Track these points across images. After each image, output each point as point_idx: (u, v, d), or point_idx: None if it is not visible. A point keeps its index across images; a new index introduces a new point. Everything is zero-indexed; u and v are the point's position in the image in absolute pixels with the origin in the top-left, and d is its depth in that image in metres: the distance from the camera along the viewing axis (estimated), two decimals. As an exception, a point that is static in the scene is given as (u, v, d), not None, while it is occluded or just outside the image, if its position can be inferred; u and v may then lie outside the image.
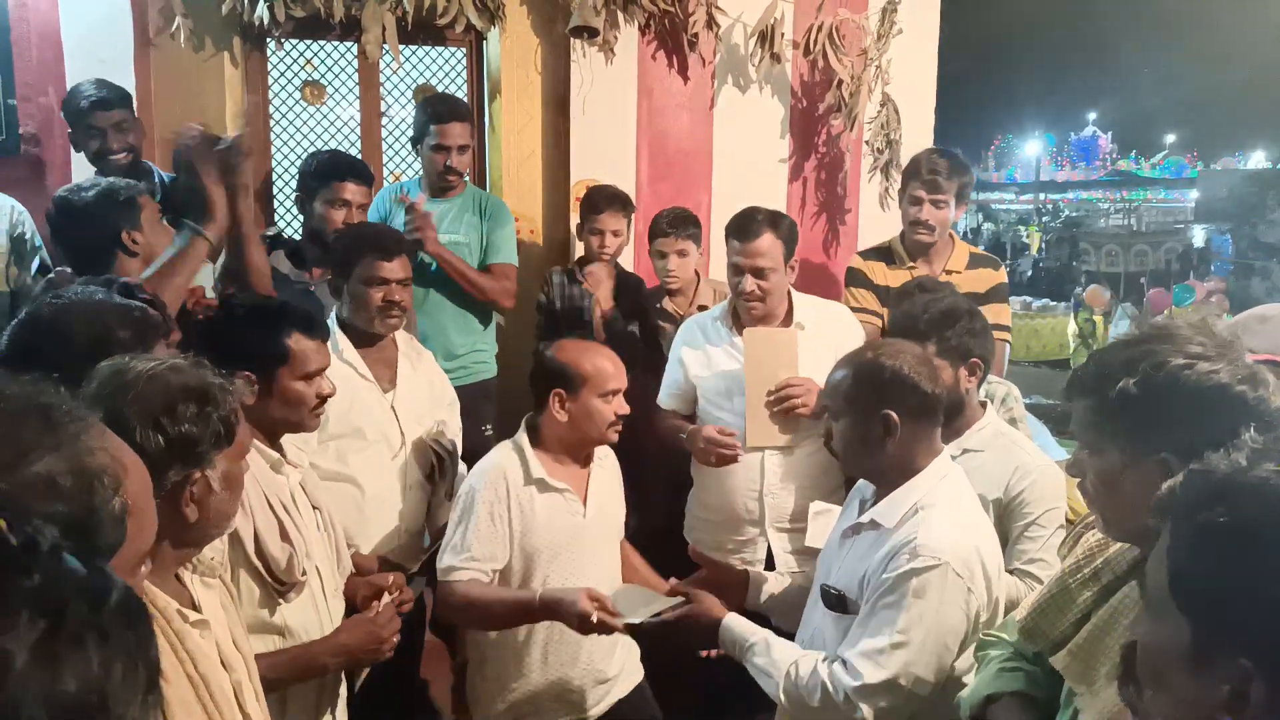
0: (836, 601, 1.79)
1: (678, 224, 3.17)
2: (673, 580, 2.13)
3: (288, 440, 1.99)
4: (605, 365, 2.17)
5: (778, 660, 1.76)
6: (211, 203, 2.25)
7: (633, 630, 1.96)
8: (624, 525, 2.40)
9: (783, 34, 3.66)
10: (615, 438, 2.22)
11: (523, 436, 2.21)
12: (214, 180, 2.27)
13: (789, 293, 2.70)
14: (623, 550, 2.38)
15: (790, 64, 3.75)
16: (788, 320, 2.69)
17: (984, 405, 2.24)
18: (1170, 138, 30.45)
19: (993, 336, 2.28)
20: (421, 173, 3.38)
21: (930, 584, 1.63)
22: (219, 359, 1.42)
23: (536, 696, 2.21)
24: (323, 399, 1.99)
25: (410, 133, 3.37)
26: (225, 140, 2.39)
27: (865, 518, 1.79)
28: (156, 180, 3.06)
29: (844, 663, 1.68)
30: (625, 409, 2.19)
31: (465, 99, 3.90)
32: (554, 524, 2.16)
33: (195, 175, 2.26)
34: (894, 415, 1.72)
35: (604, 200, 3.25)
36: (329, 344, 2.06)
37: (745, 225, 2.60)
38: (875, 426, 1.73)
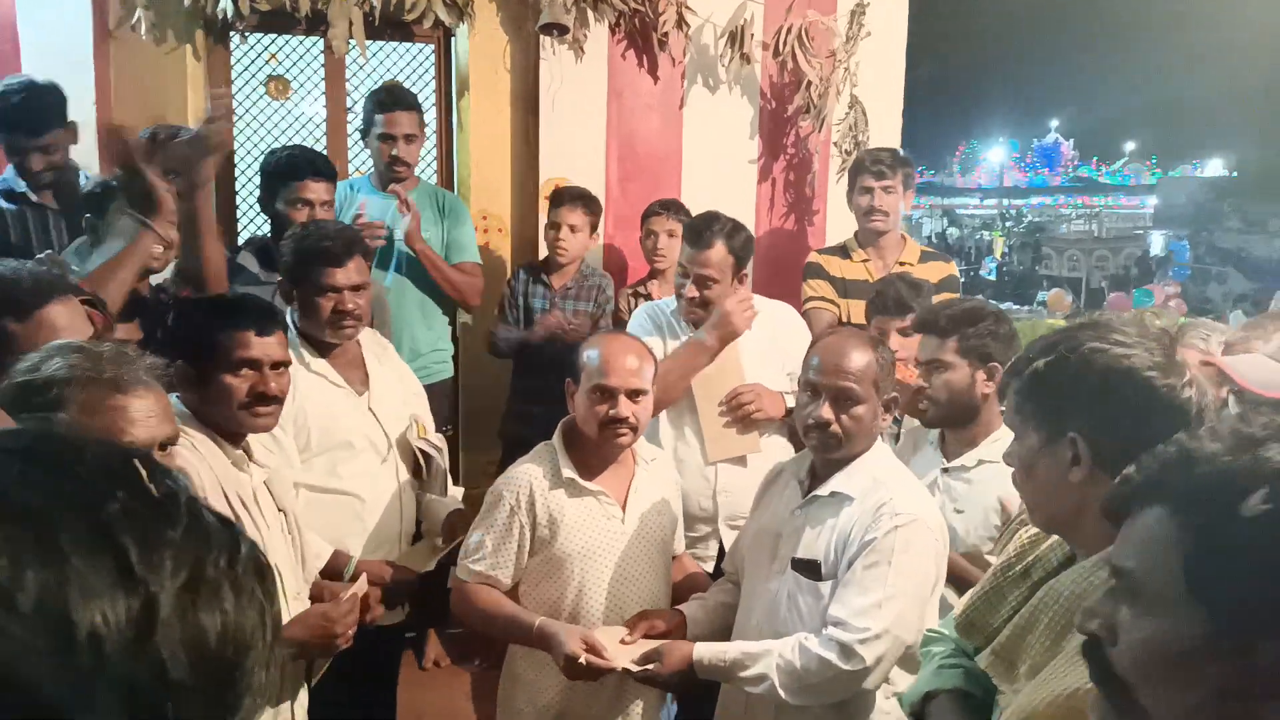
0: (808, 569, 1.87)
1: (670, 206, 3.33)
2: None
3: (259, 442, 1.95)
4: (602, 357, 2.05)
5: (762, 663, 1.82)
6: (158, 197, 2.16)
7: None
8: (680, 538, 2.31)
9: (752, 35, 3.67)
10: (614, 444, 2.07)
11: (557, 436, 2.13)
12: (158, 173, 2.18)
13: None
14: (682, 566, 2.31)
15: (760, 65, 3.77)
16: None
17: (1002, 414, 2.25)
18: (1130, 145, 31.02)
19: (1018, 345, 2.22)
20: (372, 168, 3.34)
21: (910, 539, 1.79)
22: (164, 352, 1.40)
23: (576, 714, 2.11)
24: (262, 397, 1.88)
25: None
26: (188, 131, 2.31)
27: (824, 490, 1.90)
28: (80, 181, 2.93)
29: (838, 623, 1.78)
30: (626, 412, 2.02)
31: (434, 96, 3.88)
32: (588, 528, 2.07)
33: (139, 170, 2.16)
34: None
35: (566, 195, 3.32)
36: (294, 355, 2.00)
37: (700, 232, 2.61)
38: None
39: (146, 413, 1.35)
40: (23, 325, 1.56)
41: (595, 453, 2.11)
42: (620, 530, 2.11)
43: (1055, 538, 1.29)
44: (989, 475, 2.08)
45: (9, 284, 1.57)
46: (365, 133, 3.26)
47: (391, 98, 3.23)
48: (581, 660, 1.89)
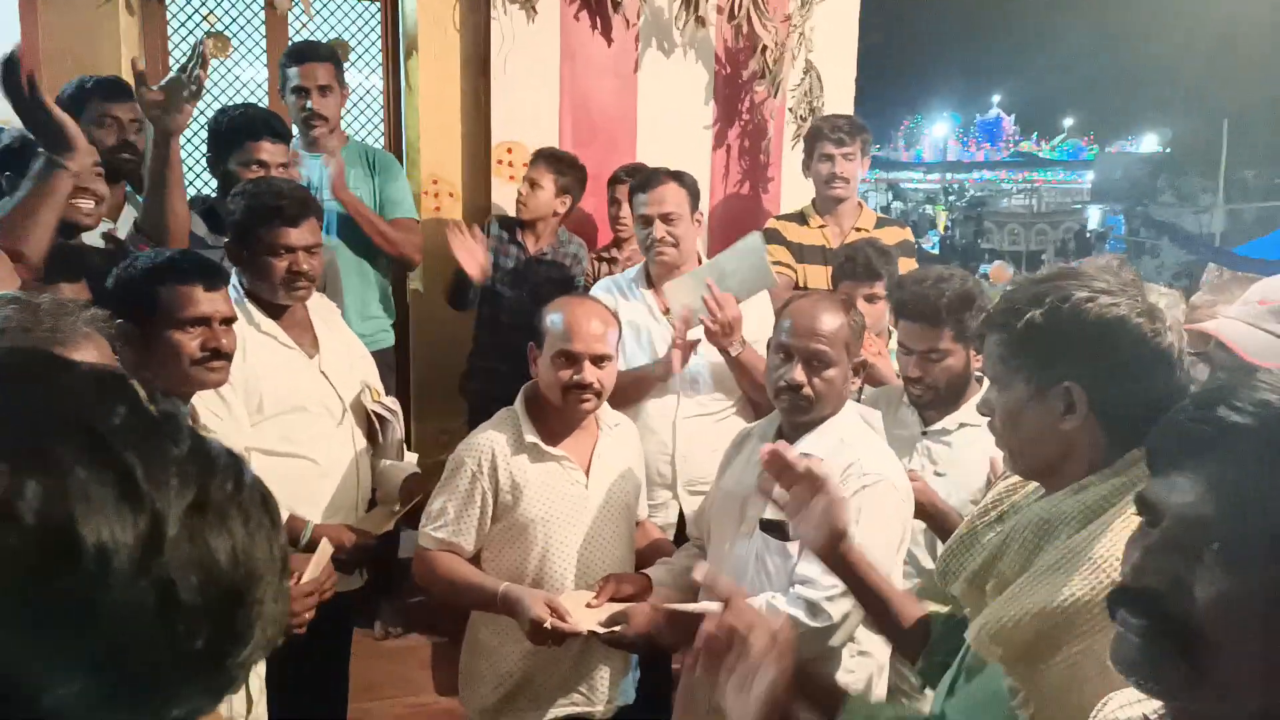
0: (776, 529, 1.86)
1: (634, 172, 3.25)
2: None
3: (204, 406, 1.88)
4: (565, 321, 2.02)
5: None
6: (68, 131, 1.91)
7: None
8: (644, 503, 2.30)
9: (707, -2, 3.63)
10: (578, 410, 2.05)
11: (519, 401, 2.10)
12: (59, 109, 1.94)
13: (697, 254, 2.78)
14: (645, 532, 2.30)
15: (715, 29, 3.73)
16: None
17: (979, 380, 2.26)
18: (1069, 121, 31.64)
19: None
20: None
21: (877, 499, 1.80)
22: (106, 306, 1.34)
23: (538, 682, 2.08)
24: (214, 353, 1.83)
25: None
26: (171, 75, 2.14)
27: (793, 453, 1.85)
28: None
29: (805, 581, 1.79)
30: (590, 378, 2.00)
31: (380, 56, 3.77)
32: (551, 493, 2.05)
33: (36, 100, 1.88)
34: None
35: (539, 154, 3.31)
36: (241, 315, 1.94)
37: (649, 177, 2.71)
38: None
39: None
40: None
41: (558, 418, 2.08)
42: (584, 495, 2.09)
43: (1029, 488, 1.31)
44: (971, 438, 2.10)
45: None
46: (283, 93, 3.16)
47: (302, 48, 3.14)
48: (547, 624, 1.87)
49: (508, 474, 2.03)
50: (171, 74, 2.14)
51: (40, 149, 1.93)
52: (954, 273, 2.26)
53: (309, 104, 3.08)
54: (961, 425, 2.17)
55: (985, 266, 12.00)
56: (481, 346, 3.33)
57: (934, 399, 2.21)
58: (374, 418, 2.36)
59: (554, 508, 2.06)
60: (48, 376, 0.43)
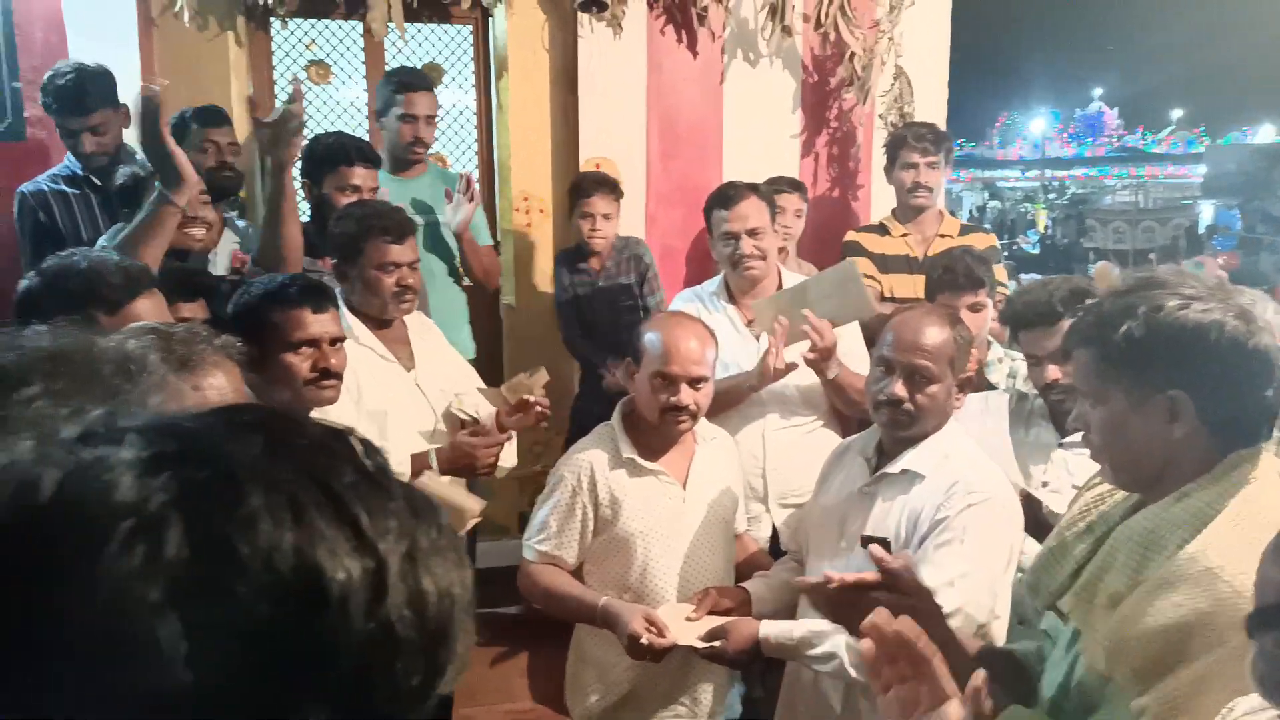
0: (880, 546, 1.83)
1: (601, 182, 3.30)
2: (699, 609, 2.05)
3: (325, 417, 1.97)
4: (664, 344, 2.02)
5: (830, 641, 1.81)
6: (180, 167, 2.07)
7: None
8: (742, 516, 2.31)
9: (793, 6, 3.61)
10: (674, 430, 2.07)
11: (616, 417, 2.14)
12: (175, 145, 2.12)
13: (778, 268, 2.77)
14: (744, 545, 2.30)
15: (801, 37, 3.70)
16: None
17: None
18: (1177, 113, 30.20)
19: None
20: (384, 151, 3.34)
21: (984, 518, 1.76)
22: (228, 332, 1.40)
23: (643, 693, 2.10)
24: (325, 372, 1.93)
25: None
26: (277, 111, 2.29)
27: (895, 468, 1.87)
28: (138, 163, 3.00)
29: None
30: (687, 400, 2.01)
31: (473, 78, 3.87)
32: (649, 507, 2.08)
33: (159, 138, 2.06)
34: None
35: (592, 184, 3.29)
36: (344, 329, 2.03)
37: (726, 193, 2.69)
38: None
39: (218, 391, 1.36)
40: (111, 319, 1.57)
41: (654, 433, 2.11)
42: (681, 509, 2.11)
43: (1118, 496, 1.29)
44: None
45: (98, 278, 1.59)
46: (381, 114, 3.26)
47: (413, 77, 3.25)
48: (644, 640, 1.88)
49: (607, 489, 2.07)
50: (276, 111, 2.25)
51: (155, 183, 2.08)
52: (1060, 276, 2.26)
53: (417, 133, 3.19)
54: None
55: (1089, 267, 11.55)
56: (588, 375, 3.37)
57: (1075, 402, 2.14)
58: (462, 424, 2.44)
59: (653, 521, 2.08)
60: (290, 438, 0.47)
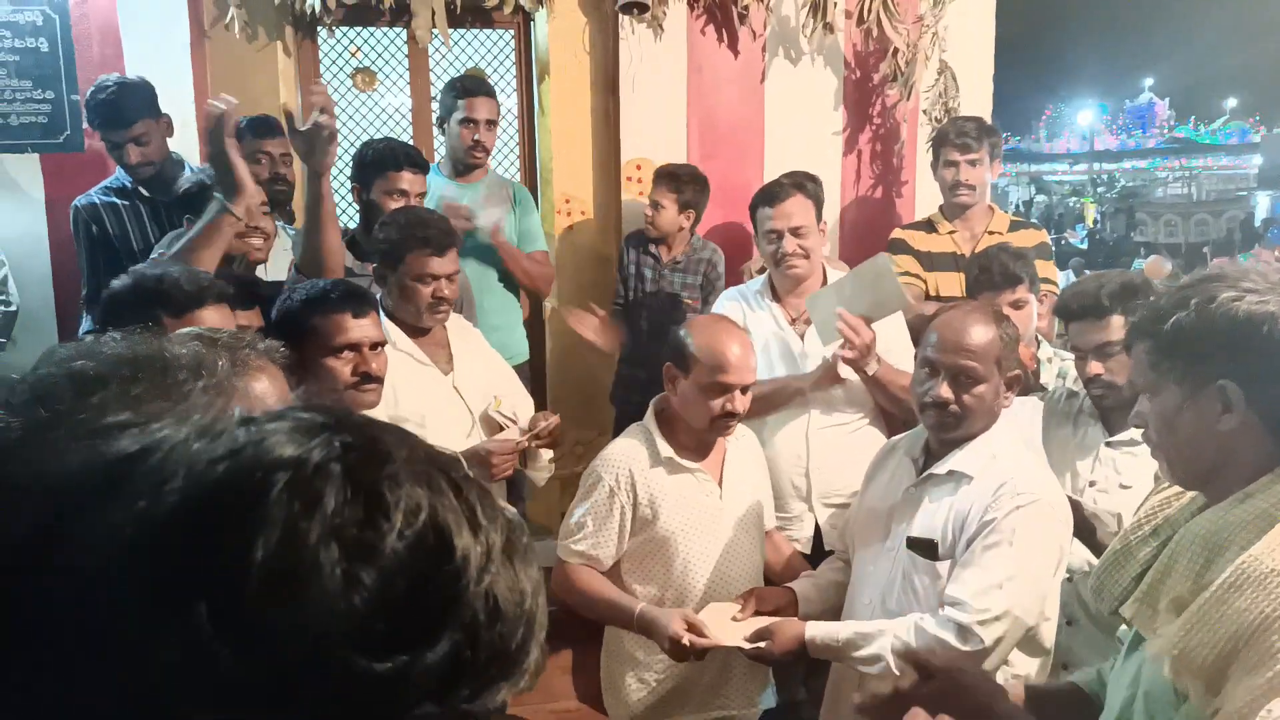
0: (925, 548, 1.84)
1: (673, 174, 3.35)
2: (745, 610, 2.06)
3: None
4: (719, 354, 2.02)
5: (877, 643, 1.80)
6: (239, 178, 2.14)
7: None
8: (771, 514, 2.32)
9: (835, 3, 3.58)
10: (722, 434, 2.11)
11: (650, 417, 2.14)
12: (239, 155, 2.19)
13: (823, 266, 2.74)
14: (775, 544, 2.32)
15: (843, 34, 3.68)
16: None
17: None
18: (1231, 102, 29.41)
19: None
20: (443, 156, 3.38)
21: (1032, 520, 1.74)
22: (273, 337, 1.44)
23: (683, 689, 2.11)
24: (366, 376, 1.96)
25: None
26: (310, 121, 2.34)
27: (942, 469, 1.85)
28: (186, 172, 3.07)
29: (957, 604, 1.74)
30: (741, 408, 2.05)
31: (514, 82, 3.91)
32: (689, 505, 2.09)
33: (222, 150, 2.14)
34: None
35: (659, 173, 3.37)
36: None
37: (773, 191, 2.66)
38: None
39: (262, 394, 1.39)
40: (176, 324, 1.62)
41: (691, 433, 2.11)
42: (718, 507, 2.12)
43: (1185, 500, 1.27)
44: None
45: (169, 285, 1.65)
46: (444, 120, 3.31)
47: (473, 83, 3.29)
48: (685, 641, 1.89)
49: (646, 489, 2.07)
50: (310, 120, 2.29)
51: (216, 193, 2.14)
52: (1115, 270, 2.23)
53: (477, 136, 3.24)
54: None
55: (1140, 261, 11.31)
56: (626, 355, 3.42)
57: (1117, 400, 2.09)
58: (501, 427, 2.46)
59: (691, 519, 2.09)
60: (410, 434, 0.54)
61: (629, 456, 2.09)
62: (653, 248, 3.40)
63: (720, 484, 2.13)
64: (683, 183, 3.35)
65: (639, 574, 2.12)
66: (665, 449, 2.09)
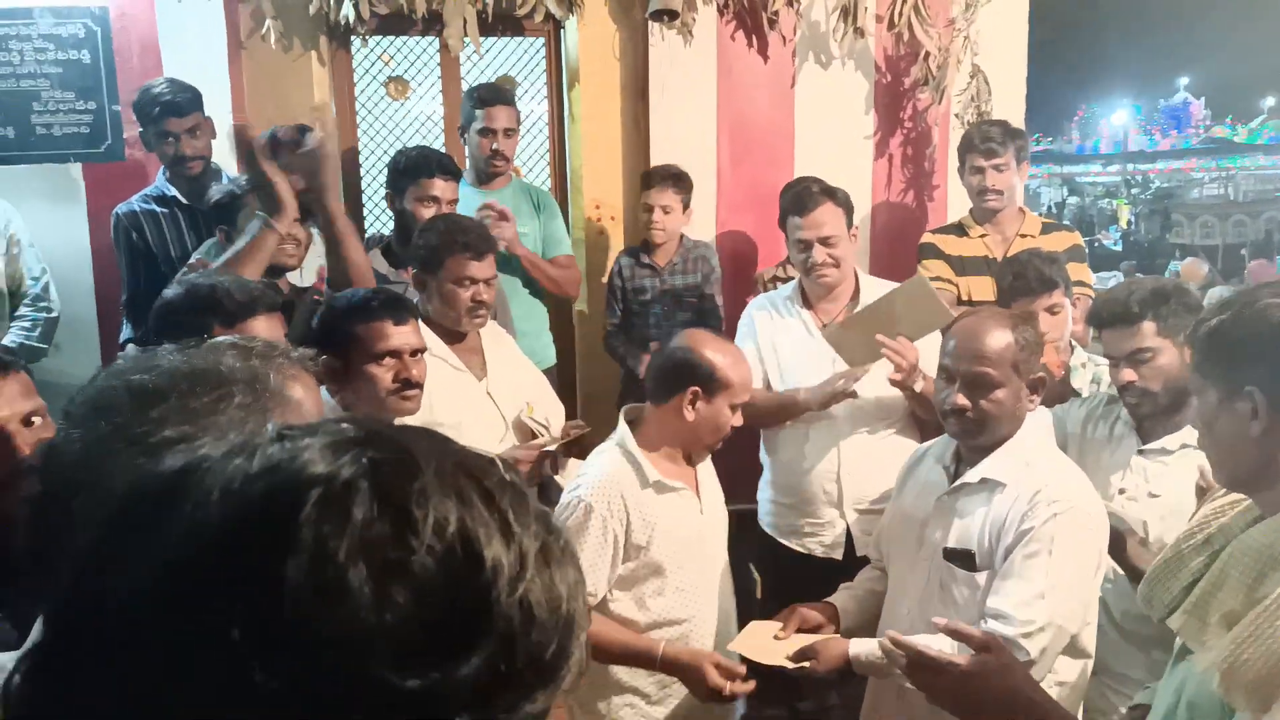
0: (962, 559, 1.83)
1: (670, 176, 3.32)
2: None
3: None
4: (747, 376, 2.09)
5: None
6: (279, 194, 2.25)
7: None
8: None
9: (866, 7, 3.57)
10: (715, 448, 2.15)
11: (628, 438, 2.06)
12: (278, 173, 2.28)
13: (854, 272, 2.72)
14: None
15: (874, 38, 3.67)
16: (855, 299, 2.68)
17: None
18: (1270, 101, 28.88)
19: None
20: (468, 164, 3.40)
21: (1070, 527, 1.74)
22: (314, 345, 1.47)
23: (670, 707, 2.10)
24: (407, 383, 1.98)
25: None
26: (305, 144, 2.36)
27: (973, 477, 1.84)
28: (225, 182, 3.13)
29: (1000, 616, 1.72)
30: (740, 422, 2.09)
31: (545, 89, 3.93)
32: (680, 525, 2.07)
33: (262, 169, 2.27)
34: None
35: (657, 177, 3.35)
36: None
37: (803, 199, 2.63)
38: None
39: (299, 402, 1.41)
40: (228, 332, 1.66)
41: (667, 451, 2.09)
42: (701, 520, 2.12)
43: (1239, 509, 1.26)
44: (1193, 461, 1.91)
45: (222, 295, 1.71)
46: (464, 129, 3.34)
47: (492, 92, 3.32)
48: (728, 691, 1.88)
49: (639, 515, 2.01)
50: (305, 145, 2.34)
51: (258, 211, 2.25)
52: (1150, 277, 2.22)
53: (495, 146, 3.26)
54: (1184, 446, 2.01)
55: (1175, 264, 11.13)
56: (634, 366, 3.39)
57: (1152, 407, 2.07)
58: (534, 434, 2.48)
59: (682, 539, 2.07)
60: (446, 441, 0.55)
61: (618, 483, 2.00)
62: (644, 257, 3.38)
63: (699, 496, 2.12)
64: (684, 182, 3.36)
65: (629, 601, 2.06)
66: (653, 472, 2.03)
